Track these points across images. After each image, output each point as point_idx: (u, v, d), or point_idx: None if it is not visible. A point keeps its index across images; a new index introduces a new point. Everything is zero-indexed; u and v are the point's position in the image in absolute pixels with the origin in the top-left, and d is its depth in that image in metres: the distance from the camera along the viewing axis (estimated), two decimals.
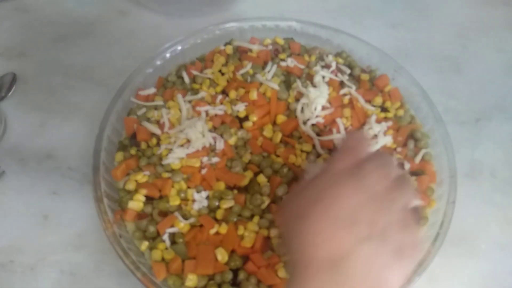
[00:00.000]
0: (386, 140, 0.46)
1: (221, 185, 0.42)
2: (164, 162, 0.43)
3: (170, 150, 0.43)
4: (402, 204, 0.30)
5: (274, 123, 0.47)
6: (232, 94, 0.48)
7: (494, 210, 0.49)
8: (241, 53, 0.53)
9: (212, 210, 0.41)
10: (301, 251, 0.29)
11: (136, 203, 0.41)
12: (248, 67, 0.50)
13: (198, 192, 0.42)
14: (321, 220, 0.29)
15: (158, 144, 0.45)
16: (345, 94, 0.49)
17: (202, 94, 0.48)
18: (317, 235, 0.28)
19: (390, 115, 0.49)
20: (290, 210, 0.32)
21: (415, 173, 0.45)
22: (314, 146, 0.45)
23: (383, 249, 0.28)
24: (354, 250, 0.27)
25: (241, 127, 0.46)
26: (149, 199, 0.42)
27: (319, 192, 0.31)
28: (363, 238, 0.28)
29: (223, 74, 0.50)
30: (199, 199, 0.41)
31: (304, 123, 0.46)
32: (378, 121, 0.47)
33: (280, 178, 0.43)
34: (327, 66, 0.51)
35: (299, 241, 0.29)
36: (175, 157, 0.43)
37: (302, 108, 0.47)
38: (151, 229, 0.40)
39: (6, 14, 0.62)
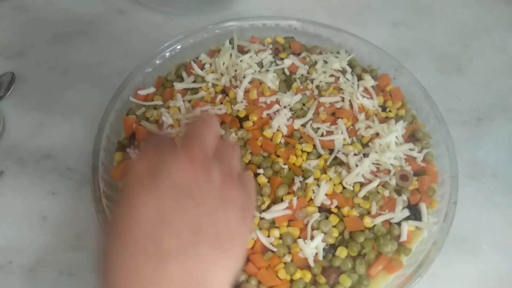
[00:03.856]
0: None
1: None
2: None
3: None
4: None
5: None
6: (232, 93, 0.48)
7: (496, 210, 0.48)
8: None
9: None
10: (110, 283, 0.24)
11: None
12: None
13: None
14: (116, 250, 0.24)
15: None
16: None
17: (201, 93, 0.48)
18: (115, 268, 0.24)
19: (391, 115, 0.48)
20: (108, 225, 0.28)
21: (417, 173, 0.45)
22: (314, 146, 0.45)
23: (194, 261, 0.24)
24: (160, 274, 0.23)
25: (241, 127, 0.46)
26: None
27: (116, 212, 0.26)
28: (166, 260, 0.23)
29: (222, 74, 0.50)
30: None
31: (304, 124, 0.46)
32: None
33: (280, 178, 0.42)
34: None
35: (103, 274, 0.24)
36: None
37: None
38: None
39: (4, 13, 0.62)
